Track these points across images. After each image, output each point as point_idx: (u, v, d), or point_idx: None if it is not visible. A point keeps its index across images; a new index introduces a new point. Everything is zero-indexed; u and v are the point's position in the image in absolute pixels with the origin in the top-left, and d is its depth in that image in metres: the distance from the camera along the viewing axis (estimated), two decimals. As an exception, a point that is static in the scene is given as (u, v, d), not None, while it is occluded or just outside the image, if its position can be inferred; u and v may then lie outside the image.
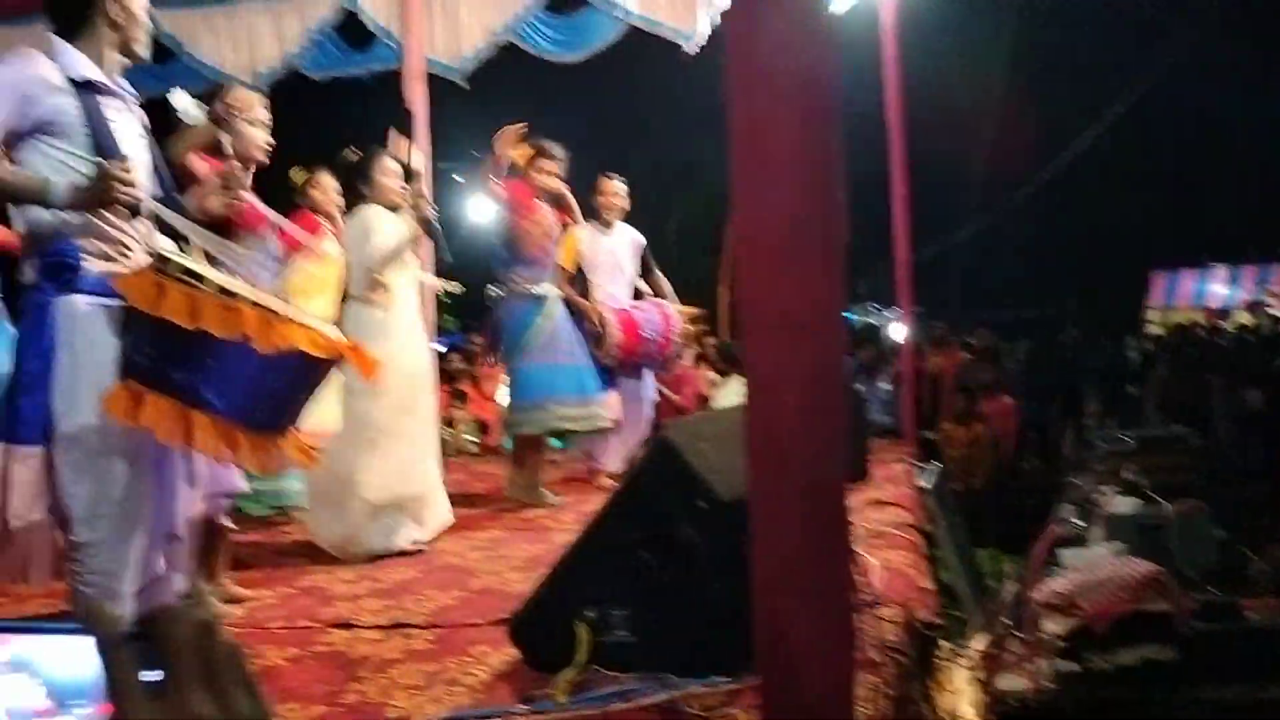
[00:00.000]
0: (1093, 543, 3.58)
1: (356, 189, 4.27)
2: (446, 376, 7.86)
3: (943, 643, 3.08)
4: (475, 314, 6.86)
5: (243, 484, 3.16)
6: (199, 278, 2.18)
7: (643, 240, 5.63)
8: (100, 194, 2.29)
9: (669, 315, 5.43)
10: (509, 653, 2.61)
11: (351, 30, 6.87)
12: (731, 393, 6.92)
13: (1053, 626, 2.97)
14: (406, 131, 4.85)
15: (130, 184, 2.32)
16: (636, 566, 2.35)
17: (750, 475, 1.41)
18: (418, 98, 6.78)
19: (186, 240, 2.50)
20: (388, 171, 4.26)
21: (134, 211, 2.43)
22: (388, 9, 6.70)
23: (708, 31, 6.37)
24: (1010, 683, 2.94)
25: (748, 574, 2.36)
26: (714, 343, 8.31)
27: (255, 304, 2.20)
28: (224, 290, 2.19)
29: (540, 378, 4.85)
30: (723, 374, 7.79)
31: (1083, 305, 17.31)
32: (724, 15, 1.33)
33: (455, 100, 7.18)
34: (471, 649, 2.74)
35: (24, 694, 0.49)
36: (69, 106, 2.33)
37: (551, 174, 5.05)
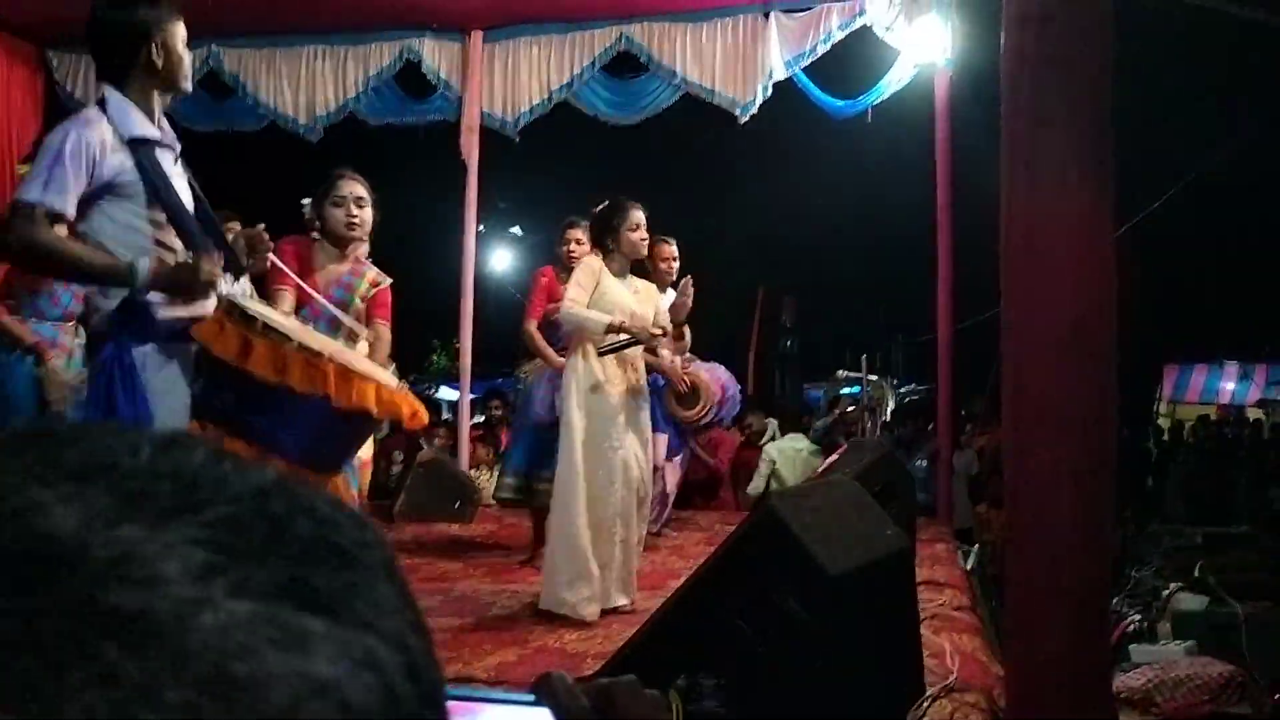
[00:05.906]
0: (1161, 639, 3.52)
1: (603, 244, 3.92)
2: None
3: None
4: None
5: None
6: (279, 332, 2.24)
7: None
8: (185, 286, 2.30)
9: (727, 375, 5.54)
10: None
11: (411, 80, 6.96)
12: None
13: (1126, 723, 2.91)
14: None
15: (215, 278, 2.33)
16: (732, 636, 2.31)
17: (1012, 578, 1.35)
18: (471, 150, 6.87)
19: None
20: (636, 226, 3.90)
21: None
22: (449, 62, 6.80)
23: (759, 102, 6.48)
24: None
25: (853, 652, 2.32)
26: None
27: (333, 359, 2.28)
28: (305, 346, 2.25)
29: None
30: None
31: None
32: (1003, 112, 1.30)
33: (505, 153, 7.26)
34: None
35: None
36: (129, 166, 2.31)
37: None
